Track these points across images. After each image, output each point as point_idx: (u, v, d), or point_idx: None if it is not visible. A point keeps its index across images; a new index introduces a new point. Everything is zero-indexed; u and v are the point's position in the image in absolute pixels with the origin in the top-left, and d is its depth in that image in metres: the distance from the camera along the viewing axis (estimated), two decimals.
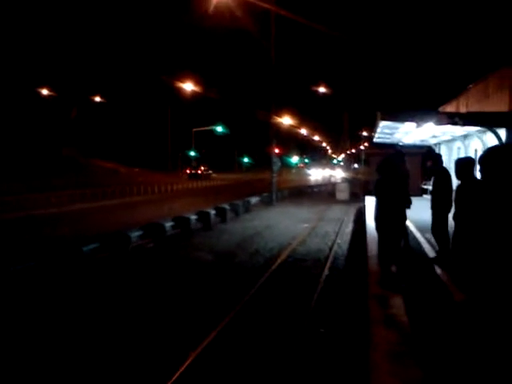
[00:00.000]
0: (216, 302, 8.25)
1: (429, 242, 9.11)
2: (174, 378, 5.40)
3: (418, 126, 12.26)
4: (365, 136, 62.61)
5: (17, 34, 38.79)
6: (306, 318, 7.43)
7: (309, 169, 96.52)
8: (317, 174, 78.61)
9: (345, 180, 33.55)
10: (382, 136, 17.73)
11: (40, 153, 47.27)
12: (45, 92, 49.80)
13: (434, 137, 17.15)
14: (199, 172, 60.38)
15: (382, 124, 13.34)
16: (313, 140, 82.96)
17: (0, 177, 36.28)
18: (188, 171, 60.87)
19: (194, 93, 43.25)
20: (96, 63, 54.99)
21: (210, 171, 63.66)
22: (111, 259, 11.36)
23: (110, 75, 58.06)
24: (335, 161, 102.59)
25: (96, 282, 9.63)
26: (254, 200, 24.16)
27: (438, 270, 7.03)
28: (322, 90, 43.12)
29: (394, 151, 11.86)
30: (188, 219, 15.31)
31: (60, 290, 8.95)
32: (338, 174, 64.92)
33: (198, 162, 62.89)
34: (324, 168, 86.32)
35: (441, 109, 18.55)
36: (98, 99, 53.01)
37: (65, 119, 54.52)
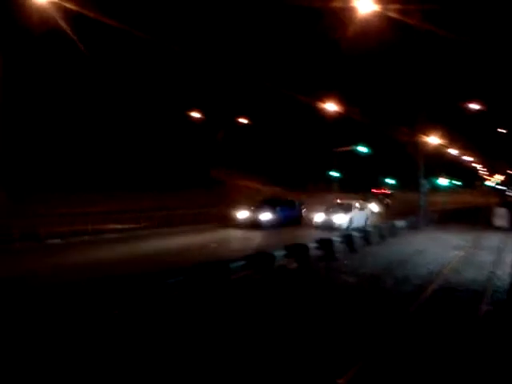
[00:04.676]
0: (362, 329, 7.82)
1: None
2: None
3: None
4: None
5: (167, 60, 42.34)
6: (466, 359, 6.65)
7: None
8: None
9: (504, 205, 30.35)
10: None
11: (190, 173, 50.72)
12: (196, 115, 53.47)
13: None
14: (387, 192, 65.75)
15: None
16: (463, 161, 77.57)
17: (154, 194, 39.51)
18: (377, 191, 66.05)
19: (336, 112, 43.10)
20: (241, 85, 57.61)
21: (393, 191, 68.84)
22: (256, 277, 11.53)
23: (255, 96, 60.40)
24: (488, 183, 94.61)
25: (240, 297, 9.81)
26: (399, 223, 23.03)
27: None
28: (473, 106, 40.22)
29: None
30: (331, 241, 15.04)
31: (205, 302, 9.27)
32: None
33: (340, 183, 63.94)
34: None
35: None
36: (242, 120, 55.49)
37: (213, 141, 57.95)
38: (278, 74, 49.76)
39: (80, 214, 25.69)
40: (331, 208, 24.02)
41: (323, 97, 41.17)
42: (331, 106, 43.11)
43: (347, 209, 23.64)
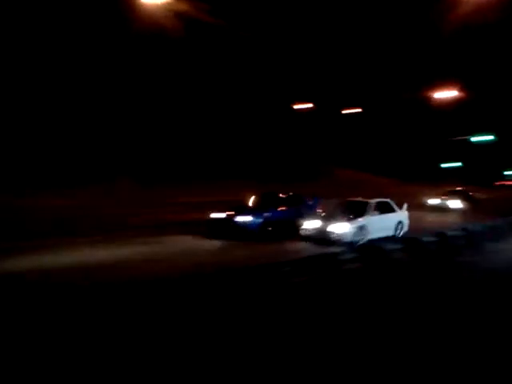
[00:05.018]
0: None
1: None
2: None
3: None
4: None
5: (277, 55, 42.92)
6: None
7: None
8: None
9: None
10: None
11: (298, 165, 50.95)
12: (305, 106, 53.37)
13: None
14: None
15: None
16: None
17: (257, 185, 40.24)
18: (507, 183, 63.16)
19: (453, 100, 40.67)
20: (351, 76, 56.59)
21: None
22: (364, 268, 11.39)
23: (365, 87, 58.85)
24: None
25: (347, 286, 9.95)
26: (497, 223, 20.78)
27: None
28: None
29: None
30: (445, 234, 14.43)
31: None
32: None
33: (460, 174, 59.96)
34: None
35: None
36: (352, 111, 54.33)
37: (320, 132, 57.58)
38: (391, 64, 48.06)
39: (193, 203, 26.99)
40: (333, 211, 15.87)
41: (440, 85, 39.10)
42: (448, 94, 40.73)
43: (358, 212, 15.18)
